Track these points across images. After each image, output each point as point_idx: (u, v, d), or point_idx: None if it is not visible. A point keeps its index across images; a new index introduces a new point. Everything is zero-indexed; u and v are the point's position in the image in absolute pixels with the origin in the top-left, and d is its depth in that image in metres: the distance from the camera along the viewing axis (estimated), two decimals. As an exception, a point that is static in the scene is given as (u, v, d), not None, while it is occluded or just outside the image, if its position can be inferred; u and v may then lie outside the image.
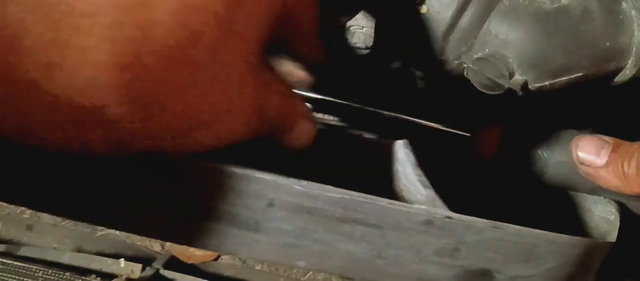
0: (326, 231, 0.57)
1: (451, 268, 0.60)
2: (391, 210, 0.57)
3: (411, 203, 0.65)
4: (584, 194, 0.85)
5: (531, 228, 0.61)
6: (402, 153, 0.78)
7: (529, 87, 0.74)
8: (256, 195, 0.55)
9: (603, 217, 0.81)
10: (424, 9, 0.74)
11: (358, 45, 0.99)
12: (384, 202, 0.57)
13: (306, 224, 0.56)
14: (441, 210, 0.60)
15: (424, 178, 0.69)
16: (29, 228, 1.88)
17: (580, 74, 0.74)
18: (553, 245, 0.62)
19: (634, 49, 0.75)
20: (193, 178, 0.54)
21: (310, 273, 1.88)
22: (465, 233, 0.59)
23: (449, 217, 0.58)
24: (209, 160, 0.54)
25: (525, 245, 0.61)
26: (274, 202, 0.55)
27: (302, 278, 1.89)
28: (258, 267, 1.92)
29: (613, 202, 0.82)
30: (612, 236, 0.78)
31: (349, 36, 1.00)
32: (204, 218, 0.55)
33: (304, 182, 0.56)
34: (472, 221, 0.59)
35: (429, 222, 0.58)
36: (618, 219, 0.79)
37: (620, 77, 0.78)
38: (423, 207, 0.60)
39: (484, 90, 0.75)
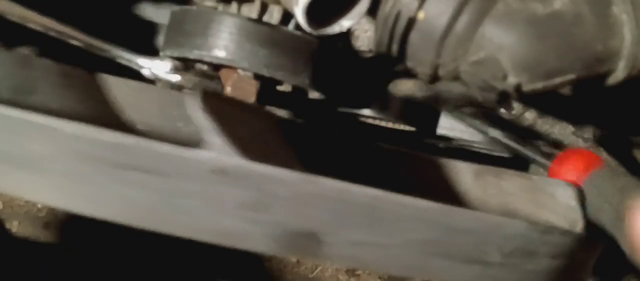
0: (105, 176, 0.54)
1: (261, 224, 0.56)
2: (174, 157, 0.54)
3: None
4: (547, 178, 0.86)
5: (362, 185, 0.56)
6: (193, 102, 0.70)
7: (523, 89, 0.76)
8: (30, 137, 0.54)
9: (567, 204, 0.80)
10: (421, 15, 0.77)
11: (362, 48, 1.02)
12: (165, 147, 0.54)
13: (84, 169, 0.54)
14: (232, 158, 0.56)
15: (209, 123, 0.62)
16: (46, 226, 1.91)
17: (572, 76, 0.77)
18: (408, 210, 0.57)
19: (625, 51, 0.77)
20: None
21: (318, 269, 1.90)
22: (270, 185, 0.54)
23: (241, 165, 0.54)
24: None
25: (359, 206, 0.56)
26: (53, 145, 0.54)
27: (310, 275, 1.91)
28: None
29: (570, 185, 0.82)
30: (579, 226, 0.78)
31: (353, 40, 1.03)
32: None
33: (74, 124, 0.54)
34: (274, 171, 0.55)
35: (221, 170, 0.54)
36: (579, 205, 0.79)
37: (613, 79, 0.80)
38: (212, 153, 0.56)
39: (480, 92, 0.78)
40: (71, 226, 1.89)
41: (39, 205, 1.89)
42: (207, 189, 0.55)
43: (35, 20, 0.88)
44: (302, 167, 0.63)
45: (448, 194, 0.76)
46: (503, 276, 0.61)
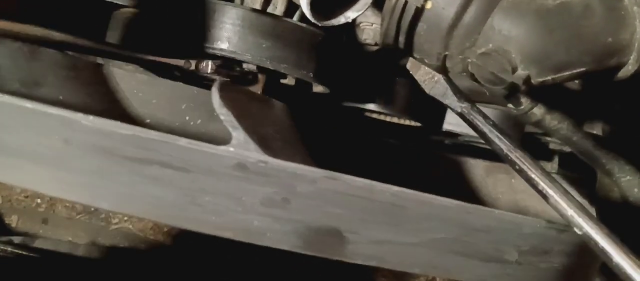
0: (130, 173, 0.53)
1: (285, 221, 0.55)
2: (195, 152, 0.53)
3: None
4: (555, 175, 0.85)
5: (388, 184, 0.56)
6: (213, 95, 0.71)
7: (532, 81, 0.75)
8: (50, 132, 0.53)
9: None
10: (428, 5, 0.76)
11: (367, 41, 1.01)
12: (183, 141, 0.53)
13: (106, 163, 0.53)
14: (253, 154, 0.55)
15: (231, 119, 0.61)
16: (45, 221, 1.91)
17: (582, 69, 0.76)
18: (434, 210, 0.57)
19: (636, 44, 0.76)
20: None
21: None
22: (294, 182, 0.54)
23: (263, 161, 0.54)
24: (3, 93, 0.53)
25: (384, 205, 0.56)
26: (70, 139, 0.53)
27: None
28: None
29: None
30: None
31: (358, 32, 1.01)
32: (8, 154, 0.54)
33: (91, 117, 0.53)
34: (297, 168, 0.54)
35: (242, 166, 0.54)
36: (591, 205, 0.78)
37: (623, 73, 0.79)
38: (231, 148, 0.55)
39: (488, 85, 0.77)
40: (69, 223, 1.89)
41: (38, 200, 1.88)
42: (229, 185, 0.54)
43: (55, 38, 0.87)
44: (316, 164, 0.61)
45: (459, 191, 0.74)
46: (519, 275, 0.61)
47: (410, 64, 0.82)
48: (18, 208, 1.89)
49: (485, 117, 0.71)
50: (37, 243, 1.77)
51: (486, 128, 0.70)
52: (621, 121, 1.02)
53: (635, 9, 0.76)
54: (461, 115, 0.75)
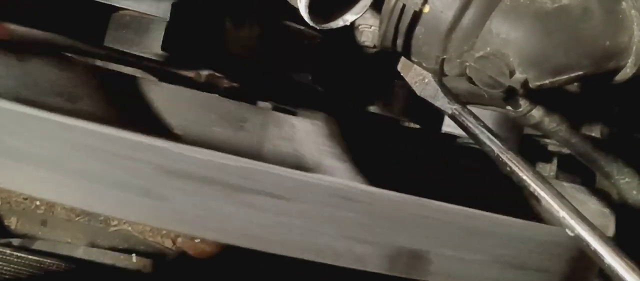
0: (226, 201, 0.55)
1: (372, 245, 0.57)
2: (294, 181, 0.55)
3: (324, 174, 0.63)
4: (577, 186, 0.85)
5: (462, 207, 0.59)
6: (312, 125, 0.76)
7: (530, 85, 0.75)
8: (148, 162, 0.53)
9: (598, 210, 0.81)
10: (426, 8, 0.76)
11: (366, 43, 1.01)
12: (285, 171, 0.55)
13: (204, 193, 0.54)
14: (348, 182, 0.58)
15: (335, 150, 0.67)
16: (44, 223, 1.90)
17: (580, 73, 0.76)
18: (500, 228, 0.60)
19: (634, 48, 0.76)
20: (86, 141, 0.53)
21: None
22: (382, 207, 0.56)
23: (358, 189, 0.56)
24: (102, 124, 0.53)
25: (460, 226, 0.59)
26: (169, 168, 0.53)
27: None
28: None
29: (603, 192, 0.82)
30: (610, 231, 0.78)
31: (357, 35, 1.01)
32: (103, 184, 0.54)
33: (198, 149, 0.54)
34: (386, 194, 0.57)
35: (337, 194, 0.55)
36: (613, 212, 0.79)
37: (621, 76, 0.79)
38: (329, 177, 0.58)
39: (486, 88, 0.77)
40: (68, 225, 1.88)
41: (38, 202, 1.88)
42: (325, 211, 0.56)
43: (56, 41, 0.86)
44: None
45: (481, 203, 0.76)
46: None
47: (401, 65, 0.82)
48: (17, 210, 1.89)
49: (476, 118, 0.72)
50: (36, 245, 1.77)
51: (477, 130, 0.70)
52: (620, 123, 1.02)
53: (633, 12, 0.75)
54: (452, 117, 0.74)
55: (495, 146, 0.68)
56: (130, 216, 0.57)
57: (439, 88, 0.74)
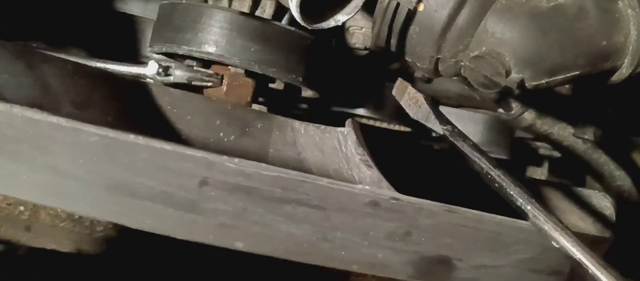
0: (266, 212, 0.56)
1: (404, 253, 0.59)
2: (333, 191, 0.56)
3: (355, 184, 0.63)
4: (580, 188, 0.85)
5: (492, 214, 0.60)
6: (343, 132, 0.76)
7: (526, 85, 0.74)
8: (188, 173, 0.54)
9: (600, 211, 0.80)
10: (421, 7, 0.75)
11: (357, 45, 0.99)
12: (324, 181, 0.56)
13: (244, 204, 0.55)
14: (387, 191, 0.59)
15: (366, 158, 0.67)
16: (28, 228, 1.88)
17: (576, 73, 0.75)
18: (521, 234, 0.61)
19: (630, 47, 0.75)
20: (126, 152, 0.53)
21: None
22: (417, 216, 0.58)
23: (395, 199, 0.57)
24: (139, 135, 0.53)
25: (487, 232, 0.60)
26: (208, 180, 0.54)
27: None
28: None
29: (608, 196, 0.82)
30: (609, 232, 0.77)
31: (348, 37, 1.00)
32: (137, 197, 0.54)
33: (236, 159, 0.54)
34: (423, 203, 0.58)
35: (375, 204, 0.57)
36: (614, 214, 0.78)
37: (617, 76, 0.78)
38: (367, 187, 0.59)
39: (481, 88, 0.76)
40: (53, 231, 1.86)
41: (22, 208, 1.85)
42: (359, 221, 0.57)
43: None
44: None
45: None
46: None
47: (395, 90, 0.83)
48: (0, 216, 1.86)
49: (465, 138, 0.73)
50: (20, 251, 1.74)
51: (466, 149, 0.71)
52: (613, 125, 1.01)
53: (629, 12, 0.75)
54: (444, 137, 0.76)
55: (483, 164, 0.69)
56: (172, 232, 0.57)
57: (431, 111, 0.76)
